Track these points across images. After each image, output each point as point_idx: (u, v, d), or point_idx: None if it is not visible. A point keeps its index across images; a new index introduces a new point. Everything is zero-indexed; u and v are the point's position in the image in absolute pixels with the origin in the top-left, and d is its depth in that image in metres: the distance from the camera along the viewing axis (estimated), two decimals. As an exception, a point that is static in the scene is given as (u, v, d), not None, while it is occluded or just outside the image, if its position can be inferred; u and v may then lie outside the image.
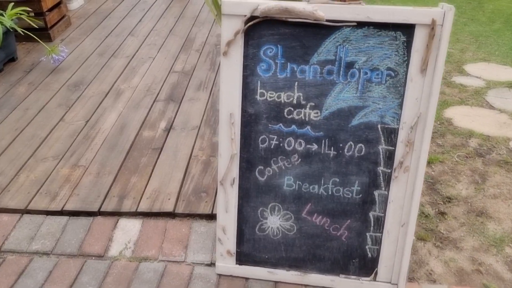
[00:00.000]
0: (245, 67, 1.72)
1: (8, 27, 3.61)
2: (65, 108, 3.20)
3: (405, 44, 1.63)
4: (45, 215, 2.31)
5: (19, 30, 3.67)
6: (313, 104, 1.73)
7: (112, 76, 3.62)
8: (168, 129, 2.93)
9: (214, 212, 2.26)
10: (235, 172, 1.85)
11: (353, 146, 1.76)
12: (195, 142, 2.80)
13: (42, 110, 3.17)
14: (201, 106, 3.17)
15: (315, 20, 1.62)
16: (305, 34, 1.66)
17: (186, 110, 3.14)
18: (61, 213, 2.31)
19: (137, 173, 2.55)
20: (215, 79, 3.52)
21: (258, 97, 1.75)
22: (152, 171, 2.56)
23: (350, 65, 1.67)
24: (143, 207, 2.31)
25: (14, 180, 2.51)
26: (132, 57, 3.94)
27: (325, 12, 1.60)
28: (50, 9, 4.28)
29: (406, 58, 1.64)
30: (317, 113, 1.74)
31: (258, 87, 1.74)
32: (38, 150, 2.76)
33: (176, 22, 4.66)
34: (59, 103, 3.26)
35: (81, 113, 3.13)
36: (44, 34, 4.16)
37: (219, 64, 3.69)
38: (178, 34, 4.36)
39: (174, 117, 3.05)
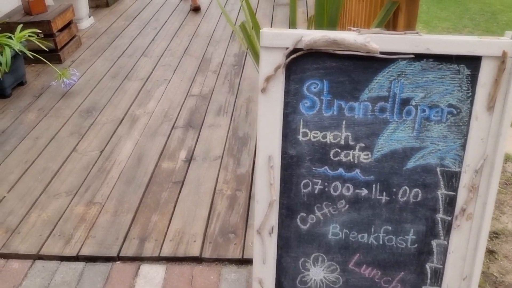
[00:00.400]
0: (286, 104, 1.53)
1: (17, 50, 3.44)
2: (77, 136, 3.01)
3: (469, 79, 1.43)
4: (59, 261, 2.11)
5: (28, 53, 3.50)
6: (363, 145, 1.54)
7: (126, 100, 3.43)
8: (189, 160, 2.73)
9: (245, 257, 2.07)
10: (274, 220, 1.65)
11: (408, 191, 1.56)
12: (218, 174, 2.61)
13: (53, 140, 2.99)
14: (222, 133, 2.98)
15: (367, 52, 1.43)
16: (355, 68, 1.47)
17: (206, 137, 2.94)
18: (76, 258, 2.12)
19: (158, 210, 2.35)
20: (235, 103, 3.32)
21: (300, 137, 1.56)
22: (174, 208, 2.36)
23: (405, 102, 1.48)
24: (166, 251, 2.12)
25: (24, 220, 2.33)
26: (147, 79, 3.75)
27: (379, 44, 1.41)
28: (60, 30, 4.11)
29: (470, 94, 1.44)
30: (367, 154, 1.54)
31: (301, 126, 1.55)
32: (50, 185, 2.57)
33: (191, 41, 4.47)
34: (71, 131, 3.08)
35: (94, 142, 2.94)
36: (54, 56, 3.99)
37: (238, 86, 3.51)
38: (194, 54, 4.17)
39: (195, 146, 2.86)
